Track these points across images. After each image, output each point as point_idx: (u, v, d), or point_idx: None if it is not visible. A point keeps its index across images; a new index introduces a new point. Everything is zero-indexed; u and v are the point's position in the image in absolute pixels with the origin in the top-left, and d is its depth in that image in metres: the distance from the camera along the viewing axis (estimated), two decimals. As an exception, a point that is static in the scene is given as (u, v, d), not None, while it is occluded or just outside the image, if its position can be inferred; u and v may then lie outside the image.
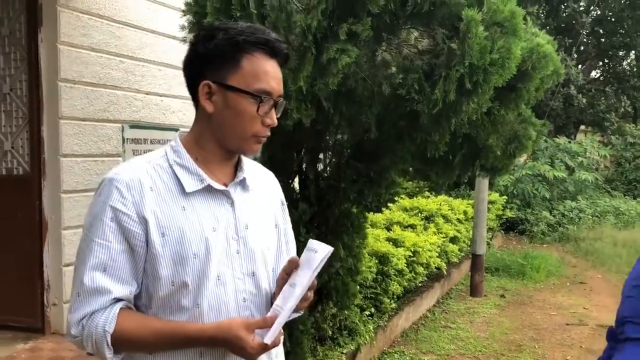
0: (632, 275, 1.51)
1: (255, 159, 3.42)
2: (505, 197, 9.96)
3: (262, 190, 1.41)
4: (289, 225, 1.51)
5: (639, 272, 1.43)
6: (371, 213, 6.27)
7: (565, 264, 8.35)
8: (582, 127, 20.89)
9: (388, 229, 5.76)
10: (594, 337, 5.12)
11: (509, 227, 11.30)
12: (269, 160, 3.35)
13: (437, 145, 2.85)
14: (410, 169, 3.47)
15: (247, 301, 1.30)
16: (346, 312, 4.01)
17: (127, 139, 4.38)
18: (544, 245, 9.96)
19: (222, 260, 1.27)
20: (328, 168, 3.39)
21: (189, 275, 1.23)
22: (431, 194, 8.74)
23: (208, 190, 1.28)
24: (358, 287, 4.47)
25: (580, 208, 11.34)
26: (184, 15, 2.94)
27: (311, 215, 3.32)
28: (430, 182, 7.51)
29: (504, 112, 3.10)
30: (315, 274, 1.23)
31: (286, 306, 1.21)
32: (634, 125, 17.98)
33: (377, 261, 4.70)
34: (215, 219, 1.27)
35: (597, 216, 11.19)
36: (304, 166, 3.40)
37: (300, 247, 3.33)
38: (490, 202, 9.16)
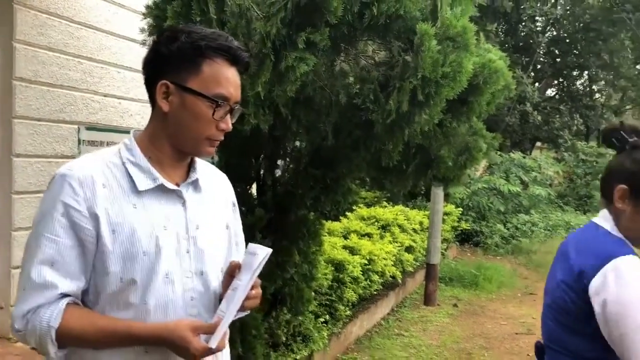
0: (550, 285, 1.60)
1: (213, 164, 3.44)
2: (460, 209, 10.19)
3: (214, 191, 1.44)
4: (240, 227, 1.54)
5: (557, 282, 1.52)
6: (329, 221, 6.35)
7: (517, 276, 8.58)
8: (538, 143, 21.56)
9: (345, 237, 5.83)
10: (540, 346, 5.27)
11: (465, 238, 11.53)
12: (227, 165, 3.37)
13: (390, 155, 2.93)
14: (367, 177, 3.54)
15: (195, 300, 1.31)
16: (300, 318, 4.04)
17: (83, 140, 4.33)
18: (497, 257, 10.21)
19: (171, 259, 1.28)
20: (286, 174, 3.43)
21: (138, 273, 1.24)
22: (389, 204, 8.87)
23: (160, 189, 1.30)
24: (313, 293, 4.51)
25: (533, 222, 11.69)
26: (144, 18, 2.95)
27: (268, 221, 3.35)
28: (386, 191, 7.63)
29: (456, 125, 3.21)
30: (256, 275, 1.26)
31: (229, 310, 1.24)
32: (585, 142, 18.63)
33: (333, 268, 4.76)
34: (166, 218, 1.30)
35: (549, 230, 11.55)
36: (262, 172, 3.43)
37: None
38: (446, 214, 9.36)
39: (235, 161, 3.32)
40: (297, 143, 3.43)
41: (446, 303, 6.81)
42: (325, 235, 5.56)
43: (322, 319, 4.54)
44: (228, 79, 1.29)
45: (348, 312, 5.03)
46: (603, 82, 20.88)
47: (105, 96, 4.53)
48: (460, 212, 10.09)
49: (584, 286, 1.40)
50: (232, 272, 1.29)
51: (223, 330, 1.23)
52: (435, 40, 2.56)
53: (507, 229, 11.39)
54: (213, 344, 1.22)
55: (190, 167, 1.39)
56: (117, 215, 1.24)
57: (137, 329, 1.22)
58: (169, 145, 1.33)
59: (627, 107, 24.62)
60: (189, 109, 1.28)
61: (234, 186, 3.64)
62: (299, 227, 3.34)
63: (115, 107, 4.64)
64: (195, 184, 1.37)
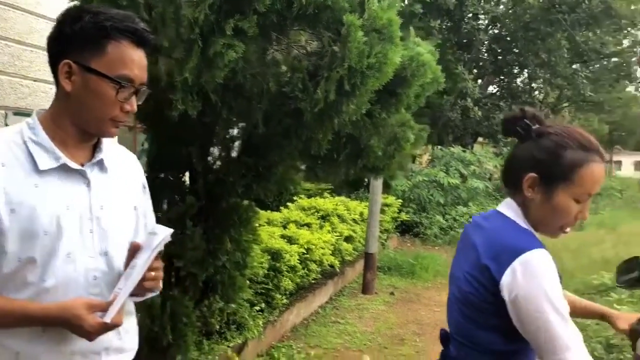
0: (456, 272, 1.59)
1: (143, 151, 3.40)
2: (401, 200, 10.40)
3: (121, 172, 1.44)
4: (150, 209, 1.55)
5: (464, 272, 1.50)
6: (270, 211, 6.38)
7: (453, 265, 8.85)
8: (480, 139, 22.21)
9: (285, 227, 5.88)
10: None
11: (405, 229, 11.80)
12: (158, 152, 3.36)
13: (320, 144, 2.98)
14: (300, 166, 3.58)
15: (98, 279, 1.32)
16: (234, 306, 4.06)
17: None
18: (436, 247, 10.49)
19: (74, 239, 1.29)
20: (218, 162, 3.44)
21: (37, 252, 1.24)
22: (332, 195, 8.97)
23: (63, 169, 1.30)
24: (248, 282, 4.54)
25: (470, 213, 12.04)
26: (71, 0, 2.89)
27: (199, 209, 3.35)
28: (320, 181, 7.71)
29: (385, 116, 3.29)
30: (154, 254, 1.27)
31: (125, 287, 1.26)
32: (523, 138, 19.26)
33: (269, 257, 4.79)
34: (69, 198, 1.29)
35: (485, 221, 11.94)
36: (194, 160, 3.42)
37: (186, 240, 3.31)
38: (387, 205, 9.55)
39: (167, 149, 3.30)
40: (229, 131, 3.44)
41: (383, 291, 6.96)
42: (264, 225, 5.60)
43: (257, 307, 4.58)
44: (133, 61, 1.30)
45: (285, 301, 5.08)
46: (541, 80, 21.65)
47: (35, 81, 4.40)
48: (400, 204, 10.31)
49: (493, 281, 1.38)
50: (133, 251, 1.31)
51: (118, 306, 1.25)
52: (361, 31, 2.62)
53: (446, 220, 11.72)
54: (108, 319, 1.23)
55: (96, 147, 1.39)
56: (17, 195, 1.24)
57: (32, 309, 1.22)
58: (72, 125, 1.32)
59: (564, 104, 25.66)
60: (92, 89, 1.28)
61: (166, 174, 3.61)
62: (230, 214, 3.35)
63: (47, 93, 4.51)
64: (100, 165, 1.38)
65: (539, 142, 1.47)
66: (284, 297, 5.03)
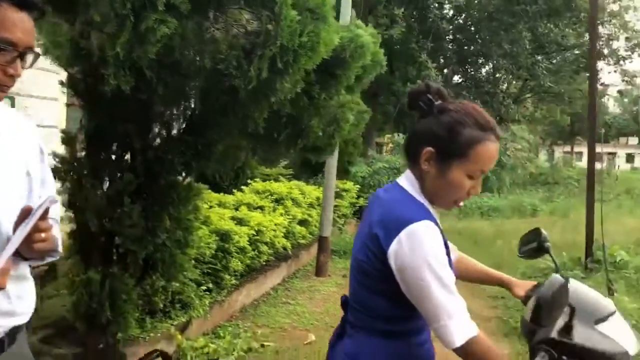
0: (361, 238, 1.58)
1: (82, 127, 3.37)
2: (359, 185, 10.50)
3: (12, 136, 1.41)
4: (49, 178, 1.52)
5: (363, 241, 1.52)
6: (222, 194, 6.39)
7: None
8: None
9: (237, 209, 5.89)
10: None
11: (365, 215, 11.94)
12: (96, 129, 3.34)
13: (256, 122, 3.01)
14: (240, 145, 3.60)
15: None
16: (177, 285, 4.08)
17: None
18: (394, 233, 10.65)
19: None
20: (158, 140, 3.44)
21: None
22: (289, 180, 9.01)
23: None
24: (194, 262, 4.56)
25: (428, 199, 12.25)
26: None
27: (138, 186, 3.35)
28: (264, 163, 7.70)
29: (325, 96, 3.34)
30: (36, 217, 1.25)
31: (7, 249, 1.25)
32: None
33: (217, 238, 4.81)
34: None
35: (442, 207, 12.16)
36: (132, 137, 3.42)
37: (124, 217, 3.28)
38: (345, 191, 9.65)
39: (105, 125, 3.28)
40: (171, 109, 3.44)
41: (337, 274, 7.06)
42: (215, 207, 5.62)
43: (204, 287, 4.60)
44: (15, 24, 1.28)
45: (234, 282, 5.11)
46: (504, 71, 22.01)
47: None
48: (359, 189, 10.41)
49: (381, 249, 1.42)
50: (23, 215, 1.30)
51: None
52: (294, 10, 2.65)
53: (405, 206, 11.89)
54: None
55: None
56: None
57: None
58: None
59: (527, 95, 26.17)
60: None
61: (106, 151, 3.56)
62: (169, 192, 3.35)
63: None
64: None
65: (439, 117, 1.50)
66: (233, 277, 5.07)
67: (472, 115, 1.49)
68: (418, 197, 1.52)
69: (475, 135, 1.46)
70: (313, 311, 5.43)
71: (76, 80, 3.17)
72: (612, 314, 1.50)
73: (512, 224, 10.65)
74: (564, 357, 1.35)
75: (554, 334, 1.38)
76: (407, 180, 1.56)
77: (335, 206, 8.87)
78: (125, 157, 3.57)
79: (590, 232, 6.87)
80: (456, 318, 1.38)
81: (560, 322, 1.41)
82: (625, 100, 62.63)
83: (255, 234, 5.44)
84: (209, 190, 6.81)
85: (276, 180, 8.63)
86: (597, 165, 7.46)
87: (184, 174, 3.42)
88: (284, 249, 6.24)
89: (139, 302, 3.96)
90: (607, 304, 1.54)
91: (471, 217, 11.59)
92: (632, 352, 1.45)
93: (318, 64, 2.91)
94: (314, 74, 3.14)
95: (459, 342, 1.36)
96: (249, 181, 7.57)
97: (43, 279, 4.20)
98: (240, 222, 5.40)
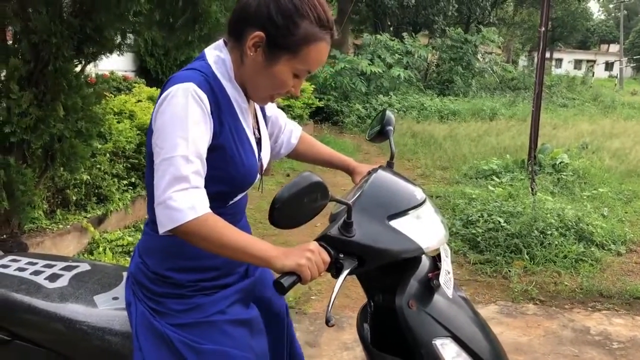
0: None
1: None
2: (314, 86, 10.29)
3: None
4: None
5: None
6: (155, 88, 6.18)
7: (359, 151, 9.00)
8: (422, 31, 21.94)
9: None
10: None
11: (325, 118, 11.84)
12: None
13: (139, 2, 2.82)
14: (134, 29, 3.41)
15: None
16: (88, 177, 4.02)
17: None
18: (352, 135, 10.61)
19: None
20: (39, 22, 3.22)
21: None
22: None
23: None
24: (114, 156, 4.48)
25: (390, 103, 12.15)
26: None
27: (29, 73, 3.18)
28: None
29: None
30: None
31: None
32: (459, 29, 18.99)
33: (139, 132, 4.70)
34: None
35: (403, 110, 12.09)
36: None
37: (12, 105, 3.12)
38: (302, 91, 9.45)
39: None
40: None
41: (280, 173, 7.07)
42: (143, 101, 5.46)
43: (126, 182, 4.56)
44: None
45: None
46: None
47: None
48: (316, 90, 10.23)
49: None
50: None
51: None
52: None
53: (365, 109, 11.78)
54: None
55: None
56: None
57: None
58: None
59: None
60: None
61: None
62: (59, 79, 3.20)
63: None
64: None
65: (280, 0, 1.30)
66: (161, 173, 5.01)
67: (316, 8, 1.31)
68: (216, 71, 1.36)
69: (312, 33, 1.30)
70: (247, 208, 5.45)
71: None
72: (417, 206, 1.44)
73: (468, 127, 10.65)
74: (341, 255, 1.29)
75: (332, 231, 1.31)
76: (218, 53, 1.39)
77: (288, 106, 8.74)
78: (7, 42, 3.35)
79: (535, 136, 6.89)
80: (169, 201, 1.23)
81: (340, 219, 1.35)
82: (611, 6, 61.44)
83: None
84: (141, 84, 6.62)
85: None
86: (576, 72, 7.32)
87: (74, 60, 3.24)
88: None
89: (47, 194, 3.92)
90: (411, 197, 1.46)
91: (430, 120, 11.55)
92: (432, 246, 1.40)
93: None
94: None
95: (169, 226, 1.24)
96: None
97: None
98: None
